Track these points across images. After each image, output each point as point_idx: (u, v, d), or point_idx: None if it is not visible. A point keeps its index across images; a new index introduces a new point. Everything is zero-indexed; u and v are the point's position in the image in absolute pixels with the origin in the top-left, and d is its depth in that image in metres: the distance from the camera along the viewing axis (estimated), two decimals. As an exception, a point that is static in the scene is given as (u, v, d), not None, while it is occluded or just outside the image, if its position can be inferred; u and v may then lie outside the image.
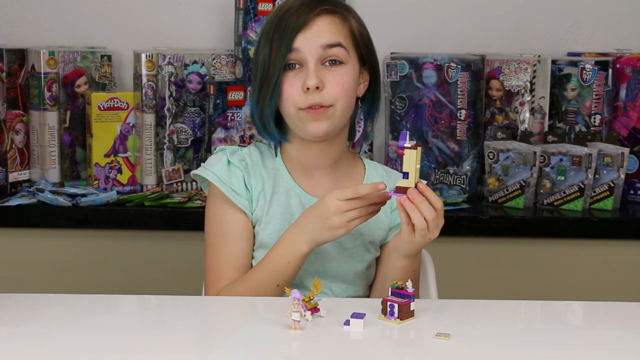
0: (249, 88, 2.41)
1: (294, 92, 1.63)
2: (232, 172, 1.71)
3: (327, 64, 1.64)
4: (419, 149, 1.51)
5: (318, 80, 1.62)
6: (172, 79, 2.42)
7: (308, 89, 1.62)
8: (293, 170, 1.74)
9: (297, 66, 1.64)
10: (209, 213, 1.73)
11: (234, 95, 2.41)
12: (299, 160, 1.73)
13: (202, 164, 1.76)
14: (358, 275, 1.73)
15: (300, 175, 1.73)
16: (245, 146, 1.79)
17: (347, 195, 1.56)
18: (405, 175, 1.51)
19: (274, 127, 1.67)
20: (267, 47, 1.64)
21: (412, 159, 1.49)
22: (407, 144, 1.49)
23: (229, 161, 1.72)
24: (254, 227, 1.72)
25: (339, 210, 1.56)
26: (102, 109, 2.41)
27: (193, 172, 1.77)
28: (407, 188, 1.51)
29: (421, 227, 1.52)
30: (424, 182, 1.55)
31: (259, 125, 1.70)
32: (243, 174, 1.71)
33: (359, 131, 1.74)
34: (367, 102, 1.74)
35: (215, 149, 1.79)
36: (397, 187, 1.52)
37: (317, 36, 1.63)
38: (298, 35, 1.62)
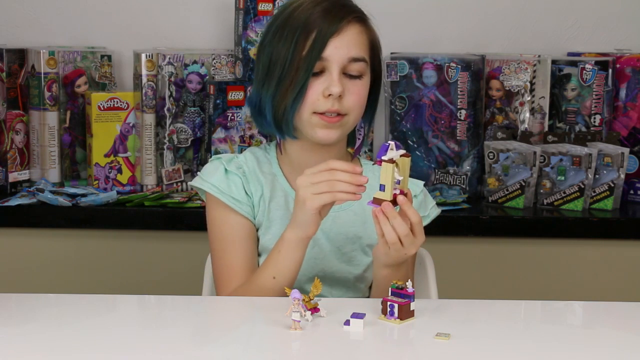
0: (249, 88, 2.41)
1: (313, 97, 1.63)
2: (230, 180, 1.71)
3: (348, 74, 1.65)
4: (408, 159, 1.49)
5: (342, 88, 1.62)
6: (172, 79, 2.42)
7: (330, 95, 1.62)
8: (290, 175, 1.74)
9: (319, 71, 1.64)
10: (212, 219, 1.73)
11: (234, 95, 2.41)
12: (298, 162, 1.73)
13: (198, 173, 1.76)
14: (357, 279, 1.73)
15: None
16: (247, 146, 1.79)
17: (318, 168, 1.55)
18: (382, 188, 1.49)
19: (291, 127, 1.67)
20: (291, 46, 1.63)
21: (388, 172, 1.48)
22: (385, 157, 1.48)
23: (226, 169, 1.72)
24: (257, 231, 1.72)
25: (305, 183, 1.54)
26: (102, 109, 2.41)
27: (190, 183, 1.77)
28: (382, 200, 1.49)
29: (392, 241, 1.51)
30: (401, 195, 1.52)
31: (271, 121, 1.68)
32: (242, 180, 1.71)
33: (359, 139, 1.75)
34: (366, 109, 1.73)
35: (218, 152, 1.79)
36: (374, 198, 1.50)
37: (346, 46, 1.63)
38: (329, 43, 1.62)
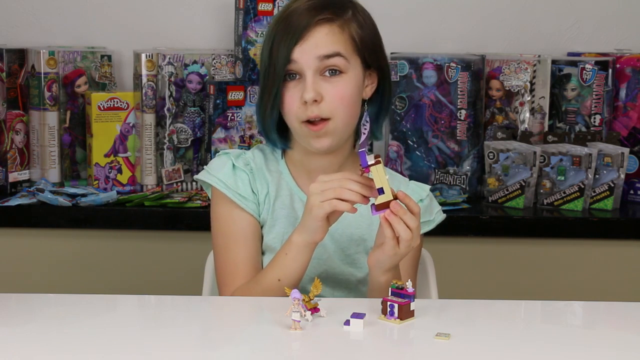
0: (249, 88, 2.41)
1: (294, 105, 1.62)
2: (237, 176, 1.70)
3: (327, 74, 1.62)
4: (379, 160, 1.50)
5: (315, 93, 1.60)
6: (172, 79, 2.42)
7: (306, 102, 1.61)
8: (297, 174, 1.73)
9: (297, 76, 1.62)
10: (217, 215, 1.72)
11: (234, 95, 2.41)
12: (303, 165, 1.72)
13: (204, 167, 1.75)
14: (360, 281, 1.73)
15: (304, 179, 1.72)
16: (247, 147, 1.78)
17: (332, 177, 1.54)
18: (381, 191, 1.49)
19: (276, 137, 1.66)
20: (267, 52, 1.63)
21: (380, 173, 1.48)
22: (371, 162, 1.48)
23: (233, 165, 1.71)
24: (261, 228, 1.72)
25: (316, 190, 1.53)
26: (102, 109, 2.41)
27: (196, 176, 1.77)
28: (388, 202, 1.49)
29: (408, 237, 1.50)
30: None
31: (261, 132, 1.69)
32: (249, 177, 1.71)
33: (364, 134, 1.72)
34: (376, 103, 1.71)
35: (218, 152, 1.78)
36: (377, 205, 1.50)
37: (314, 47, 1.60)
38: (295, 47, 1.60)
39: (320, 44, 1.61)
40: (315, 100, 1.60)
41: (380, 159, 1.49)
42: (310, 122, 1.62)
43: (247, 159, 1.72)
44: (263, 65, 1.65)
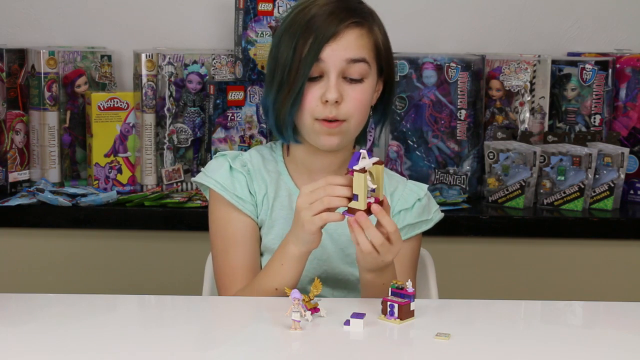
0: (249, 88, 2.41)
1: (312, 102, 1.62)
2: (234, 177, 1.70)
3: (348, 78, 1.63)
4: (381, 167, 1.47)
5: (339, 94, 1.61)
6: (172, 79, 2.42)
7: (327, 101, 1.61)
8: (296, 174, 1.73)
9: (318, 76, 1.63)
10: (215, 218, 1.72)
11: (234, 95, 2.41)
12: (304, 164, 1.73)
13: (202, 169, 1.75)
14: (359, 281, 1.73)
15: (303, 178, 1.72)
16: (247, 147, 1.78)
17: (315, 186, 1.52)
18: (355, 198, 1.48)
19: (291, 132, 1.67)
20: (291, 50, 1.62)
21: (360, 181, 1.46)
22: (357, 167, 1.46)
23: (230, 167, 1.71)
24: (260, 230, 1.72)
25: (305, 204, 1.52)
26: (102, 109, 2.41)
27: (194, 179, 1.77)
28: (357, 210, 1.48)
29: (367, 250, 1.49)
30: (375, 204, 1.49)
31: (273, 126, 1.69)
32: (246, 178, 1.71)
33: (370, 140, 1.73)
34: (379, 110, 1.73)
35: (215, 153, 1.78)
36: (349, 208, 1.49)
37: (344, 49, 1.61)
38: (326, 46, 1.61)
39: (350, 46, 1.62)
40: (337, 102, 1.61)
41: (368, 168, 1.46)
42: (323, 120, 1.63)
43: (244, 160, 1.73)
44: (282, 63, 1.63)
